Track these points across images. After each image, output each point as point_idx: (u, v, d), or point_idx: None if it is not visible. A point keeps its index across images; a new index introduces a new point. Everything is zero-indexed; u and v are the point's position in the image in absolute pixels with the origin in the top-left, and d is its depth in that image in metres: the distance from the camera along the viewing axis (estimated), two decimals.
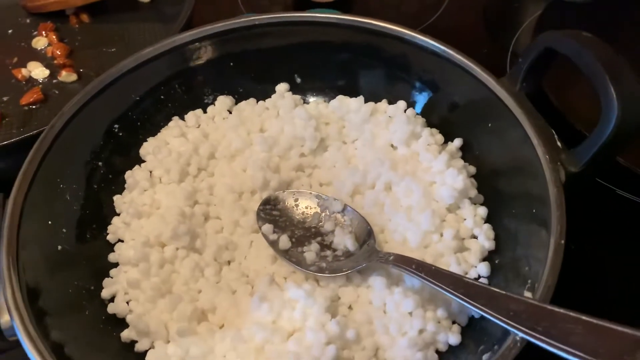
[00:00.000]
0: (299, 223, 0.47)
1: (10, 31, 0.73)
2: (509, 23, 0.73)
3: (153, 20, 0.73)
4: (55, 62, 0.68)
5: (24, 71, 0.67)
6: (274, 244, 0.45)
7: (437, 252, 0.44)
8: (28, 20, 0.74)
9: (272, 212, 0.47)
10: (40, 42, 0.71)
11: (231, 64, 0.55)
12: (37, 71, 0.67)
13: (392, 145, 0.52)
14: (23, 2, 0.74)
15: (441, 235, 0.45)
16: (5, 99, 0.64)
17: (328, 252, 0.45)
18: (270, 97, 0.56)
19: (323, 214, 0.47)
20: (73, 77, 0.66)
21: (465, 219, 0.46)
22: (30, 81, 0.66)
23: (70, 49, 0.69)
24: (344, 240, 0.45)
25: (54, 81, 0.66)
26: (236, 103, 0.56)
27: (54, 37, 0.70)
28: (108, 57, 0.69)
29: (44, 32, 0.71)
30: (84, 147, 0.49)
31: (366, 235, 0.45)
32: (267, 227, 0.46)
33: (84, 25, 0.73)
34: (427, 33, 0.70)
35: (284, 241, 0.45)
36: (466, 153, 0.51)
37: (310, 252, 0.45)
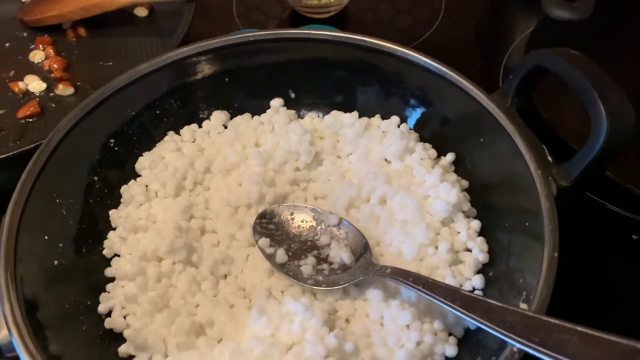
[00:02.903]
0: (295, 237, 0.48)
1: (7, 44, 0.73)
2: (502, 39, 0.74)
3: (150, 34, 0.73)
4: (52, 75, 0.68)
5: (20, 84, 0.67)
6: (270, 257, 0.46)
7: (433, 265, 0.45)
8: (25, 34, 0.74)
9: (268, 225, 0.48)
10: (37, 56, 0.71)
11: (226, 79, 0.56)
12: (34, 84, 0.67)
13: (386, 160, 0.52)
14: (20, 16, 0.75)
15: (436, 248, 0.46)
16: (1, 112, 0.65)
17: (324, 266, 0.45)
18: (265, 112, 0.56)
19: (319, 228, 0.48)
20: (70, 90, 0.67)
21: (459, 232, 0.47)
22: (27, 94, 0.67)
23: (67, 63, 0.70)
24: (340, 254, 0.45)
25: (51, 94, 0.67)
26: (231, 118, 0.57)
27: (51, 50, 0.71)
28: (105, 71, 0.69)
29: (41, 46, 0.72)
30: (80, 162, 0.50)
31: (362, 249, 0.46)
32: (264, 241, 0.46)
33: (81, 39, 0.73)
34: (421, 49, 0.72)
35: (281, 255, 0.45)
36: (459, 167, 0.51)
37: (307, 265, 0.45)
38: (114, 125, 0.52)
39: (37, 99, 0.66)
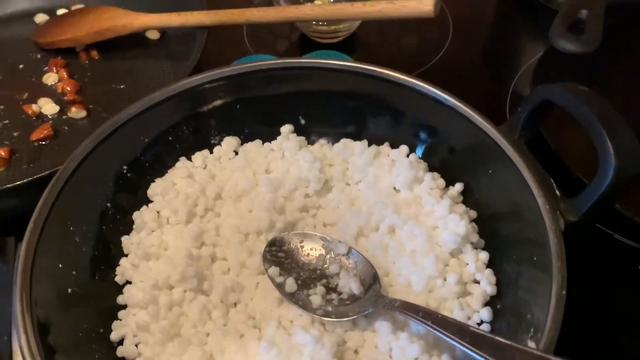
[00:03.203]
0: (305, 265, 0.48)
1: (21, 66, 0.74)
2: (509, 65, 0.75)
3: (162, 57, 0.74)
4: (65, 98, 0.69)
5: (34, 107, 0.68)
6: (280, 286, 0.46)
7: (441, 297, 0.45)
8: (39, 56, 0.75)
9: (277, 253, 0.48)
10: (50, 78, 0.72)
11: (238, 106, 0.56)
12: (48, 107, 0.68)
13: (394, 188, 0.53)
14: (34, 38, 0.76)
15: (445, 279, 0.46)
16: (15, 134, 0.66)
17: (334, 296, 0.46)
18: (275, 138, 0.57)
19: (328, 256, 0.48)
20: (82, 113, 0.68)
21: (467, 264, 0.47)
22: (41, 117, 0.68)
23: (80, 85, 0.71)
24: (349, 284, 0.46)
25: (64, 117, 0.68)
26: (242, 144, 0.57)
27: (64, 73, 0.72)
28: (117, 94, 0.70)
29: (54, 68, 0.73)
30: (94, 189, 0.50)
31: (371, 279, 0.46)
32: (274, 270, 0.47)
33: (93, 62, 0.74)
34: (431, 73, 0.73)
35: (290, 284, 0.46)
36: (467, 197, 0.52)
37: (316, 295, 0.45)
38: (127, 152, 0.53)
39: (50, 121, 0.67)
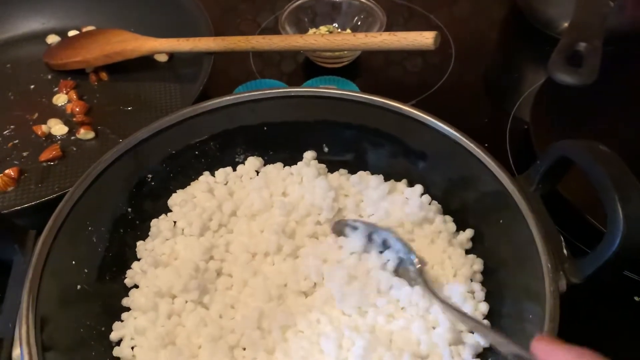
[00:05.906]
0: None
1: (32, 87, 0.75)
2: (511, 91, 0.76)
3: (169, 80, 0.75)
4: (74, 119, 0.70)
5: (44, 127, 0.69)
6: None
7: (432, 342, 0.45)
8: (49, 76, 0.76)
9: None
10: (60, 99, 0.73)
11: (265, 128, 0.58)
12: (57, 128, 0.69)
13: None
14: (46, 59, 0.77)
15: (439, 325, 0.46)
16: (25, 154, 0.66)
17: None
18: (296, 162, 0.58)
19: None
20: (91, 134, 0.68)
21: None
22: (50, 137, 0.68)
23: (88, 107, 0.71)
24: None
25: (72, 138, 0.68)
26: (265, 164, 0.59)
27: (74, 94, 0.73)
28: (125, 116, 0.71)
29: (64, 89, 0.74)
30: (117, 193, 0.52)
31: None
32: None
33: (102, 83, 0.75)
34: (432, 99, 0.73)
35: None
36: (476, 243, 0.52)
37: None
38: (154, 161, 0.55)
39: (59, 142, 0.67)
